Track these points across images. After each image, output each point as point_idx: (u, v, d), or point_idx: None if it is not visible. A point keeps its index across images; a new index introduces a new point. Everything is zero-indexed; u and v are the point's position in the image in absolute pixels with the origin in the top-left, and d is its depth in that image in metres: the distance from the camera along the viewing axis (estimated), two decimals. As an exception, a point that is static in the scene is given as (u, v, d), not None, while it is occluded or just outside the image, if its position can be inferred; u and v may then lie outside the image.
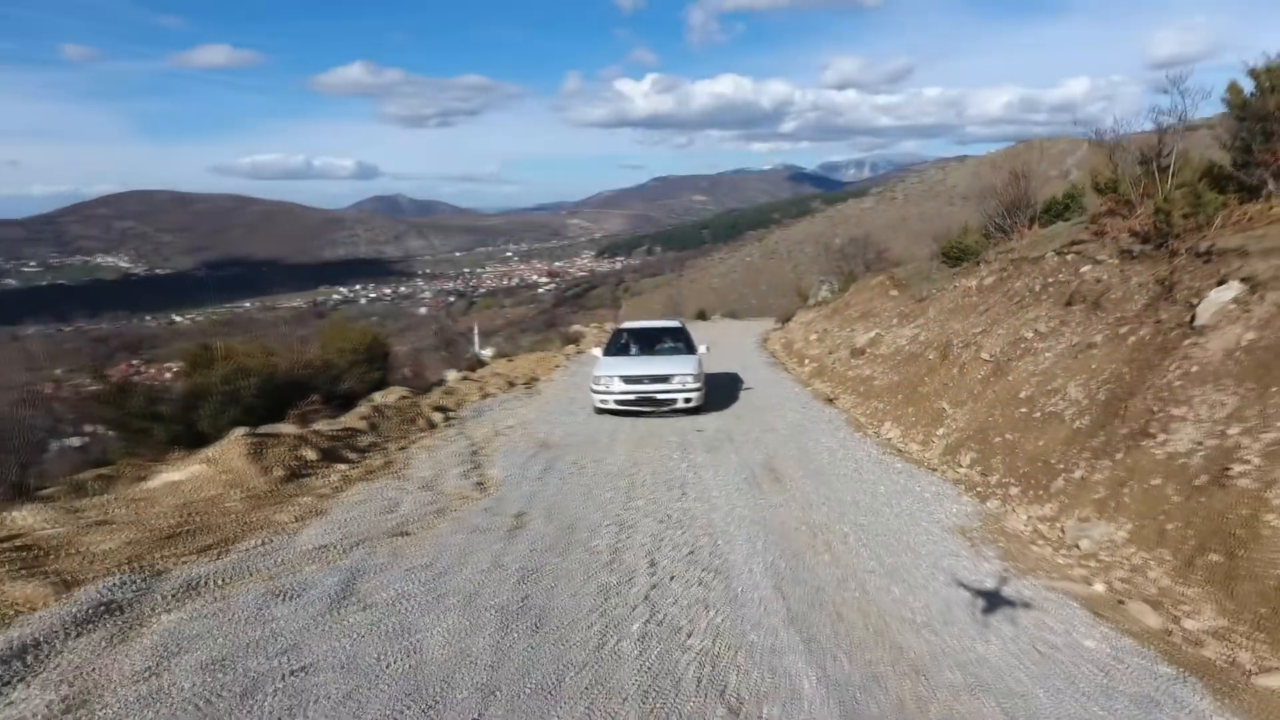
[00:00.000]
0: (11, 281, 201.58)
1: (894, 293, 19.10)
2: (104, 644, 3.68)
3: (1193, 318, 6.62)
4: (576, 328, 28.53)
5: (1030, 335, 9.07)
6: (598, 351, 12.36)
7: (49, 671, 3.41)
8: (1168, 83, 9.52)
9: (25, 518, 5.68)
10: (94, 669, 3.44)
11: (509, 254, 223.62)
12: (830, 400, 12.06)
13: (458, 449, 8.31)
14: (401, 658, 3.47)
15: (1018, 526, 5.76)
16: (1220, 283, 6.72)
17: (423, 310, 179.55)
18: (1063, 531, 5.56)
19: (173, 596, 4.25)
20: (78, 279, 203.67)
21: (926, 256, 22.56)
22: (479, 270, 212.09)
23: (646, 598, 4.16)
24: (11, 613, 3.97)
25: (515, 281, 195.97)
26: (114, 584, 4.32)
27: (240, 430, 8.34)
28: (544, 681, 3.26)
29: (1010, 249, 13.86)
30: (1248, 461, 4.86)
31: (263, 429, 7.63)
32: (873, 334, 15.52)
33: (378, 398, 9.96)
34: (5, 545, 4.92)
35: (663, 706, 3.07)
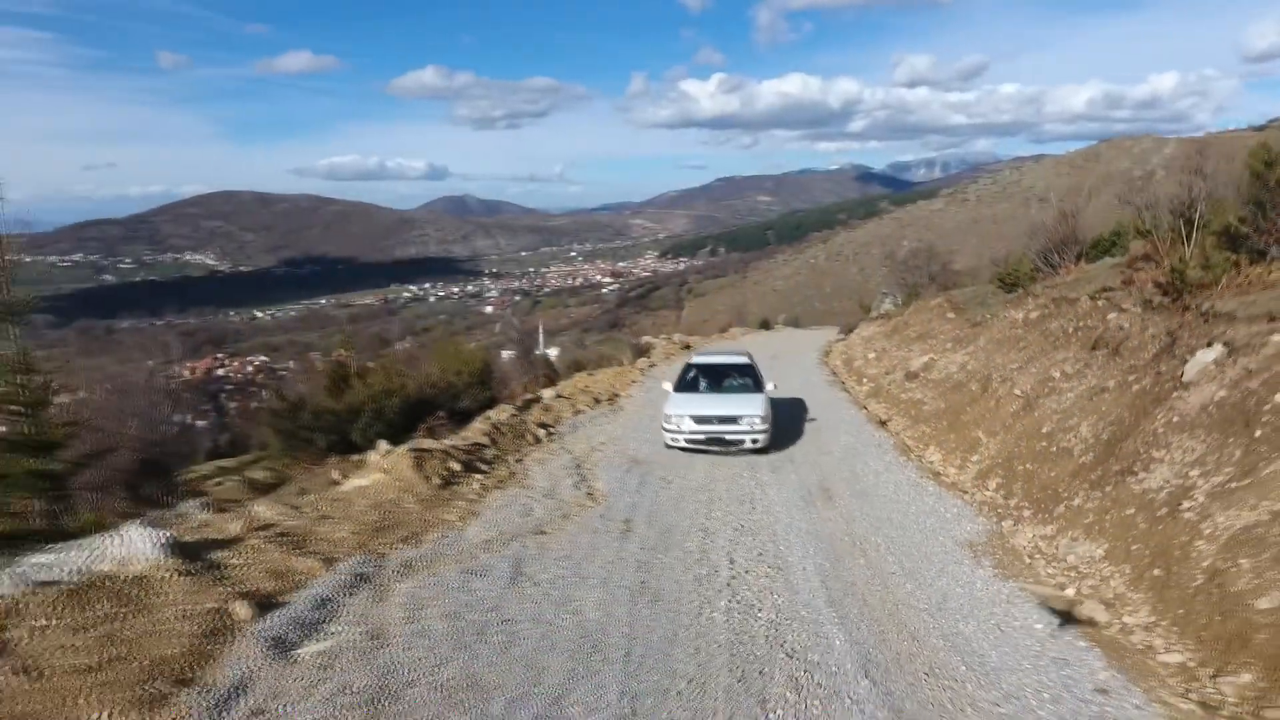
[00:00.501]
0: (109, 277, 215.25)
1: (951, 315, 20.28)
2: (370, 600, 5.63)
3: (1182, 373, 7.99)
4: (646, 339, 30.34)
5: (1057, 375, 10.45)
6: (668, 385, 12.52)
7: (345, 615, 5.37)
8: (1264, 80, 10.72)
9: (264, 511, 7.80)
10: (372, 615, 5.38)
11: (573, 254, 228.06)
12: (883, 423, 13.54)
13: (564, 462, 10.21)
14: (569, 616, 5.32)
15: (1021, 543, 7.28)
16: (1208, 344, 8.06)
17: (489, 309, 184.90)
18: (1056, 548, 7.06)
19: (398, 572, 6.20)
20: (168, 275, 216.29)
21: (986, 279, 23.54)
22: (544, 270, 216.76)
23: (729, 584, 5.92)
24: (302, 578, 5.98)
25: (579, 281, 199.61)
26: (358, 561, 6.30)
27: (385, 443, 10.47)
28: (665, 635, 5.05)
29: (1055, 284, 15.06)
30: (1195, 499, 6.30)
31: (418, 444, 9.64)
32: (926, 358, 16.86)
33: (492, 415, 11.96)
34: (270, 532, 7.00)
35: (743, 653, 4.81)
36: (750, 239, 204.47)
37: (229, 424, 26.84)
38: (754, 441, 10.85)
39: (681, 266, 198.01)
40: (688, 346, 29.38)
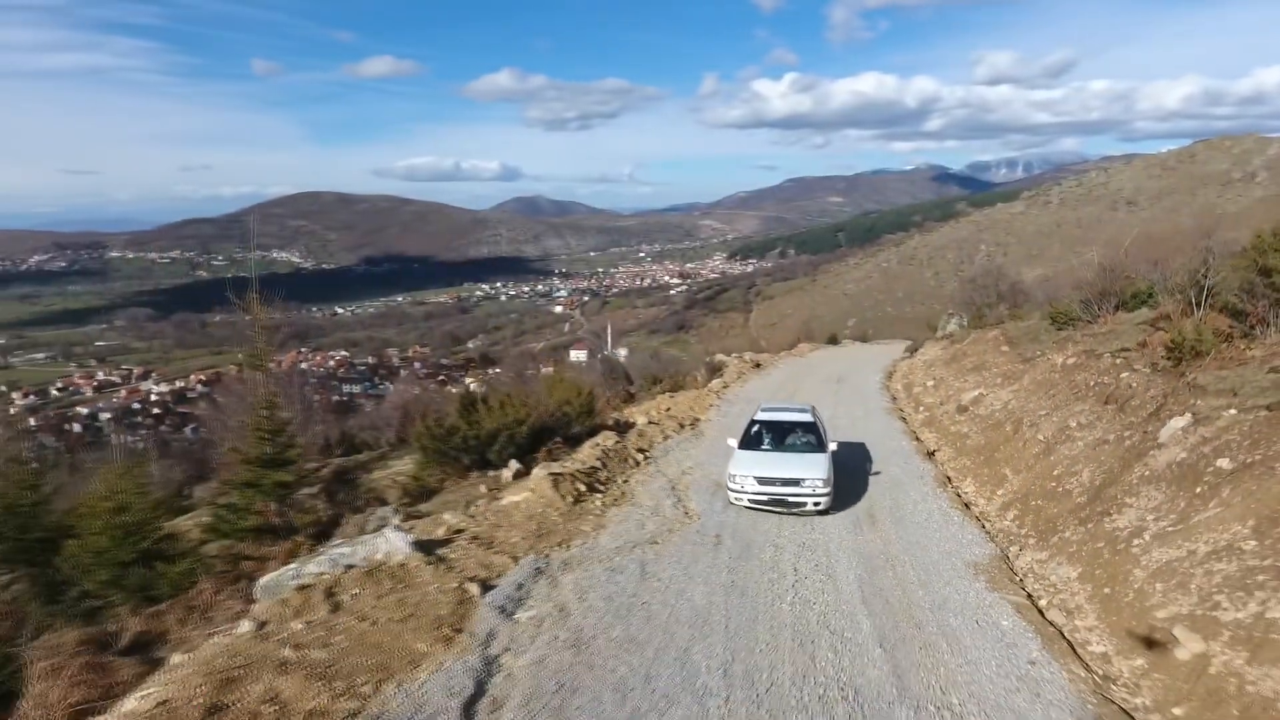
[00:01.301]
0: (203, 274, 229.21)
1: (1005, 349, 22.19)
2: (548, 586, 8.47)
3: (1159, 435, 10.18)
4: (719, 357, 32.85)
5: (1074, 425, 12.63)
6: (733, 442, 12.79)
7: (536, 595, 8.21)
8: None
9: (451, 519, 10.77)
10: (554, 596, 8.20)
11: (642, 254, 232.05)
12: (930, 454, 15.80)
13: (661, 485, 12.95)
14: (685, 601, 8.04)
15: (1021, 564, 9.63)
16: (1182, 413, 10.22)
17: (558, 308, 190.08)
18: (1045, 569, 9.39)
19: (561, 568, 9.02)
20: (256, 272, 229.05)
21: (1047, 310, 25.14)
22: (612, 270, 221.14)
23: (793, 586, 8.53)
24: (500, 569, 8.86)
25: (647, 282, 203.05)
26: (532, 560, 9.16)
27: (515, 463, 13.44)
28: (750, 616, 7.70)
29: (1093, 333, 17.03)
30: (1144, 538, 8.58)
31: (549, 468, 12.52)
32: (977, 392, 18.95)
33: (600, 441, 14.78)
34: (464, 536, 9.95)
35: (801, 629, 7.42)
36: (820, 241, 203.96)
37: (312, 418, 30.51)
38: (815, 505, 11.23)
39: (750, 268, 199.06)
40: (758, 365, 31.85)
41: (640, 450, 15.07)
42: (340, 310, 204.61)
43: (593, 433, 16.06)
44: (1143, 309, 17.29)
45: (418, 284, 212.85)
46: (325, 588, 7.85)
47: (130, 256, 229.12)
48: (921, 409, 20.88)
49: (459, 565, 8.75)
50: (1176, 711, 6.07)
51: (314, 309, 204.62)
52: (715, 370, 29.91)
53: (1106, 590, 8.20)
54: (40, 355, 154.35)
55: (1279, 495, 7.64)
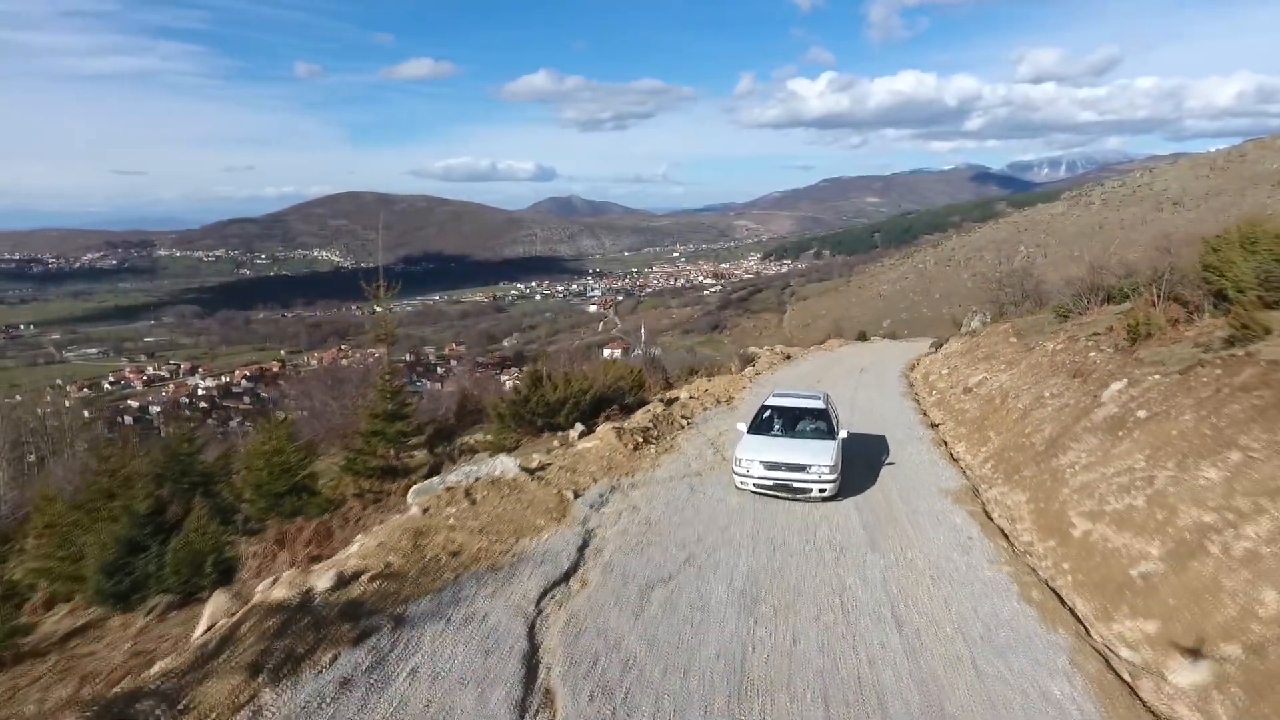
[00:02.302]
0: (247, 272, 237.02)
1: (1013, 339, 24.79)
2: (621, 496, 11.55)
3: (1102, 397, 12.92)
4: (752, 349, 35.71)
5: (1047, 395, 15.37)
6: (742, 426, 12.94)
7: (613, 500, 11.29)
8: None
9: (540, 457, 13.91)
10: (626, 501, 11.28)
11: (676, 254, 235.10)
12: (934, 425, 18.58)
13: (702, 441, 15.95)
14: (724, 505, 11.06)
15: (987, 495, 12.44)
16: (1121, 379, 12.95)
17: (592, 308, 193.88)
18: (1004, 496, 12.20)
19: (629, 487, 12.09)
20: (298, 270, 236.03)
21: (1049, 309, 27.65)
22: (646, 270, 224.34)
23: (803, 519, 11.49)
24: (585, 486, 11.95)
25: (681, 282, 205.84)
26: (606, 482, 12.24)
27: (580, 425, 16.54)
28: (771, 514, 10.70)
29: (1082, 323, 19.65)
30: (1075, 469, 11.37)
31: (611, 425, 15.60)
32: (981, 377, 21.64)
33: (650, 409, 17.84)
34: (553, 467, 13.07)
35: (808, 521, 10.39)
36: (856, 241, 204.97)
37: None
38: (821, 491, 11.27)
39: (784, 269, 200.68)
40: (788, 357, 34.65)
41: (684, 417, 18.09)
42: (379, 309, 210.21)
43: (642, 404, 19.14)
44: (1126, 302, 19.85)
45: (454, 283, 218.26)
46: (464, 489, 11.03)
47: (177, 255, 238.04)
48: (934, 393, 23.58)
49: (554, 482, 11.88)
50: (1065, 565, 8.92)
51: (354, 307, 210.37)
52: (749, 360, 32.81)
53: (1041, 505, 11.02)
54: (93, 350, 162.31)
55: (1169, 432, 10.41)
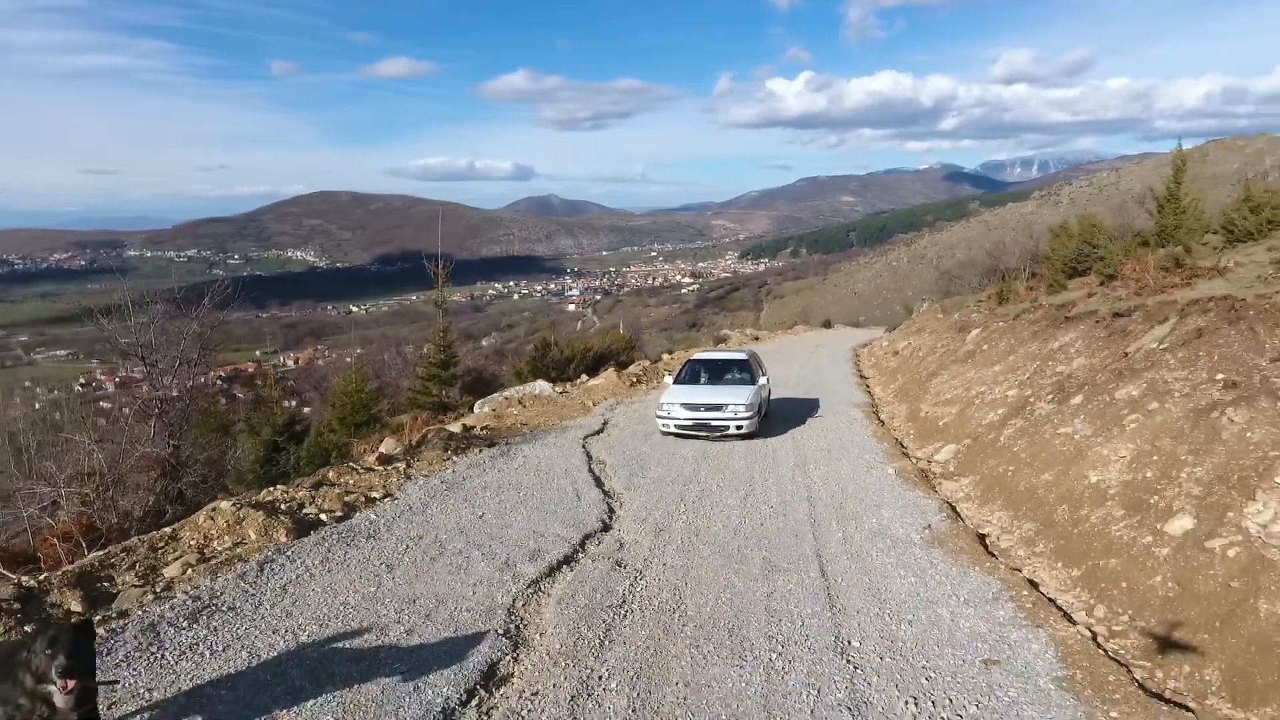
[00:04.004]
0: (219, 272, 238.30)
1: (939, 315, 30.52)
2: (622, 406, 16.90)
3: (966, 337, 18.46)
4: (724, 331, 41.16)
5: (939, 346, 20.94)
6: (669, 379, 14.07)
7: (619, 410, 16.62)
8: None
9: (547, 388, 19.22)
10: (628, 409, 16.63)
11: (654, 254, 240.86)
12: (863, 377, 24.12)
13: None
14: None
15: (882, 410, 17.90)
16: (979, 327, 18.50)
17: (570, 307, 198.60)
18: (892, 409, 17.66)
19: (627, 404, 17.44)
20: (272, 270, 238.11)
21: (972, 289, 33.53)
22: (624, 269, 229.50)
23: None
24: (598, 403, 17.27)
25: (659, 281, 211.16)
26: (614, 400, 17.60)
27: (586, 375, 21.93)
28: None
29: (981, 297, 25.31)
30: (939, 385, 16.86)
31: (604, 373, 20.94)
32: (907, 342, 27.26)
33: (641, 364, 23.18)
34: (571, 393, 18.37)
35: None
36: (832, 240, 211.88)
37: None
38: (738, 428, 12.30)
39: (761, 268, 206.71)
40: (757, 338, 40.18)
41: (666, 370, 23.45)
42: (355, 308, 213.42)
43: (633, 362, 24.51)
44: (1017, 282, 25.60)
45: (431, 283, 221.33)
46: (516, 399, 16.36)
47: (148, 255, 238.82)
48: (872, 358, 29.21)
49: (577, 399, 17.21)
50: (909, 429, 14.36)
51: (329, 307, 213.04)
52: (721, 340, 38.28)
53: (910, 407, 16.49)
54: (62, 352, 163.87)
55: (990, 352, 15.93)
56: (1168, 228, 18.05)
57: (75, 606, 5.42)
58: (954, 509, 8.91)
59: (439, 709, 4.39)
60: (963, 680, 4.83)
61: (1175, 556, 5.84)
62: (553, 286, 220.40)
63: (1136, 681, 4.80)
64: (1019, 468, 9.22)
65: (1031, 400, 11.19)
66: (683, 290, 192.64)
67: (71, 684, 3.15)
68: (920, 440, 13.42)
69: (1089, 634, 5.49)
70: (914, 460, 12.05)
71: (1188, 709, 4.51)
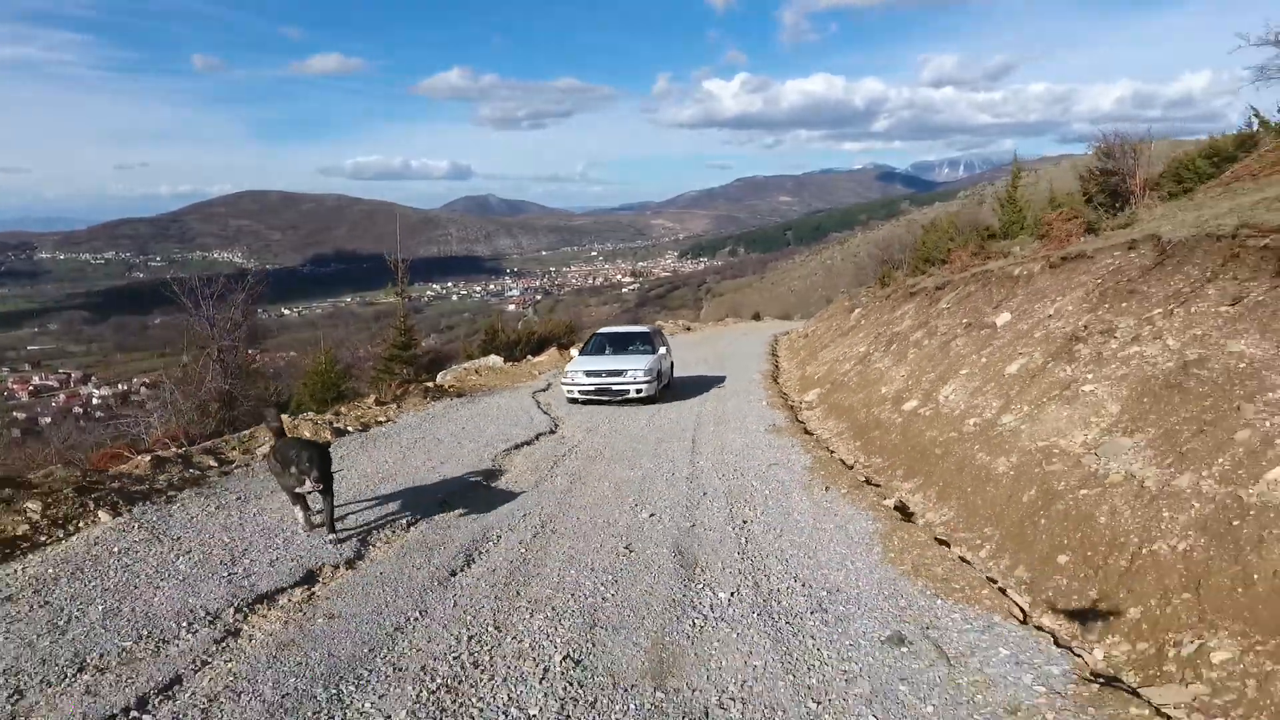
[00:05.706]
0: (140, 275, 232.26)
1: (847, 304, 34.80)
2: (559, 378, 20.38)
3: (852, 316, 22.49)
4: (659, 323, 44.81)
5: (834, 325, 24.99)
6: (574, 352, 15.26)
7: (552, 381, 20.09)
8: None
9: (499, 361, 22.60)
10: (556, 381, 20.10)
11: (594, 253, 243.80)
12: (774, 355, 28.08)
13: (615, 361, 24.95)
14: (625, 376, 20.11)
15: (781, 375, 21.77)
16: (861, 307, 22.56)
17: (510, 308, 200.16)
18: (789, 374, 21.57)
19: (560, 373, 20.92)
20: (197, 273, 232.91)
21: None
22: (565, 269, 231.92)
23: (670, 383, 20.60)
24: (539, 373, 20.71)
25: (600, 281, 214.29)
26: (555, 371, 21.04)
27: (531, 355, 25.41)
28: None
29: (872, 285, 29.58)
30: (825, 354, 20.81)
31: (547, 352, 24.40)
32: (814, 326, 31.42)
33: (580, 345, 26.67)
34: (523, 365, 21.77)
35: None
36: (770, 240, 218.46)
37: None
38: (638, 391, 13.47)
39: (701, 267, 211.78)
40: (689, 329, 44.01)
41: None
42: (286, 312, 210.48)
43: (573, 344, 27.99)
44: (897, 271, 29.93)
45: (367, 284, 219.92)
46: (474, 369, 19.70)
47: (62, 257, 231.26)
48: (785, 341, 33.35)
49: (525, 370, 20.65)
50: (794, 384, 18.21)
51: (260, 310, 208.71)
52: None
53: (801, 371, 20.40)
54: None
55: (864, 325, 19.92)
56: (1007, 223, 22.40)
57: (212, 464, 8.69)
58: (798, 418, 12.72)
59: (470, 483, 8.07)
60: (754, 470, 8.68)
61: (903, 422, 9.72)
62: (492, 287, 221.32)
63: (853, 472, 8.64)
64: (849, 394, 13.11)
65: (871, 352, 15.14)
66: (623, 290, 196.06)
67: (314, 477, 6.29)
68: (801, 390, 17.29)
69: (845, 463, 9.31)
70: (787, 400, 15.85)
71: (876, 484, 8.32)
